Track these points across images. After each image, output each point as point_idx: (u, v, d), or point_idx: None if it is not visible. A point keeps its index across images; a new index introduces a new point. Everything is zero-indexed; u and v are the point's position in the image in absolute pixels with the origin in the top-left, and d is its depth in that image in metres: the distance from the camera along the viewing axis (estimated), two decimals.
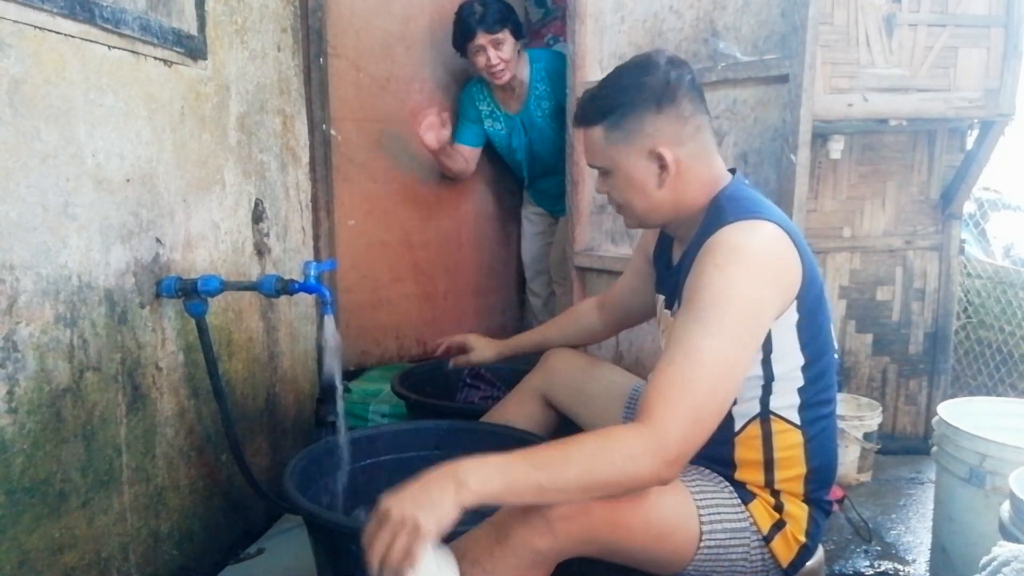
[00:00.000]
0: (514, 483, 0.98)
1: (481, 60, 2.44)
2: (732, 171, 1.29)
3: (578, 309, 1.83)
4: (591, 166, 1.29)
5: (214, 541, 1.77)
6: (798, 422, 1.19)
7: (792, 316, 1.14)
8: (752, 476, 1.21)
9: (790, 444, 1.19)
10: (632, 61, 1.26)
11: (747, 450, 1.20)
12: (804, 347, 1.16)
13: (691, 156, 1.22)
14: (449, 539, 1.04)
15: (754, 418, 1.19)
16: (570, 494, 1.00)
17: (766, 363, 1.16)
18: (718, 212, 1.18)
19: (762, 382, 1.17)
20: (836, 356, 1.25)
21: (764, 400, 1.18)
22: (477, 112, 2.67)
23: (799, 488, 1.21)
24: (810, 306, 1.15)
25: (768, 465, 1.20)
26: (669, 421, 1.00)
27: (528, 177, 2.76)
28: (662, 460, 0.99)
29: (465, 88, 2.71)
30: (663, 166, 1.20)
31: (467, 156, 2.67)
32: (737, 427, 1.20)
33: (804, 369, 1.17)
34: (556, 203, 2.76)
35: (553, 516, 1.04)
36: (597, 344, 2.35)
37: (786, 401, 1.18)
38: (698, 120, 1.22)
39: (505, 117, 2.65)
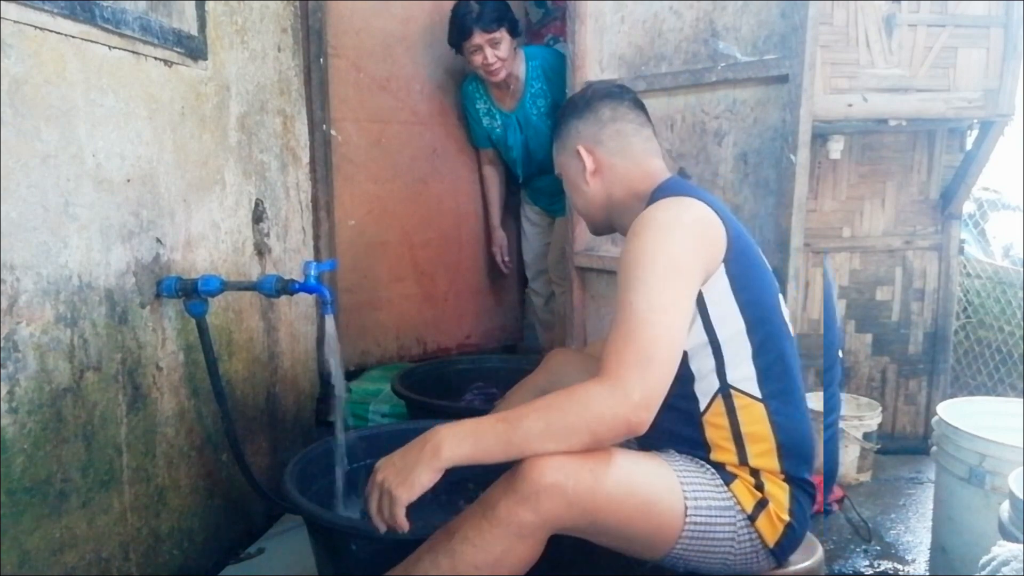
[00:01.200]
0: (483, 441, 1.08)
1: (478, 59, 2.45)
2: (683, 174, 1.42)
3: (561, 368, 1.69)
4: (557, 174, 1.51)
5: (214, 541, 1.78)
6: (759, 395, 1.23)
7: (722, 279, 1.21)
8: (727, 456, 1.24)
9: (755, 418, 1.23)
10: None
11: (715, 429, 1.24)
12: (743, 309, 1.22)
13: (611, 153, 1.39)
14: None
15: (716, 394, 1.23)
16: (540, 443, 1.08)
17: (708, 329, 1.21)
18: (651, 202, 1.29)
19: (711, 348, 1.22)
20: (788, 328, 1.30)
21: (720, 371, 1.22)
22: (476, 111, 2.68)
23: (774, 464, 1.23)
24: (741, 268, 1.22)
25: (738, 441, 1.23)
26: (623, 367, 1.07)
27: (523, 175, 2.76)
28: (625, 401, 1.06)
29: (462, 88, 2.72)
30: (583, 164, 1.40)
31: (492, 158, 2.82)
32: (703, 406, 1.24)
33: (749, 333, 1.22)
34: (552, 201, 2.77)
35: (537, 485, 1.07)
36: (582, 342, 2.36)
37: (742, 372, 1.23)
38: (620, 125, 1.40)
39: (501, 114, 2.66)
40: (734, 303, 1.21)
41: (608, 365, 1.08)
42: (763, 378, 1.23)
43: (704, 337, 1.22)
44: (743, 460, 1.23)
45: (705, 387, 1.24)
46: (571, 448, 1.09)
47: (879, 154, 2.49)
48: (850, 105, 2.12)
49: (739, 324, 1.22)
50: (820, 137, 2.27)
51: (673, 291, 1.13)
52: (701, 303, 1.20)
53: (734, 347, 1.22)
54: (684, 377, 1.22)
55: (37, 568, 1.26)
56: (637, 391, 1.06)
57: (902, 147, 2.49)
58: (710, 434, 1.24)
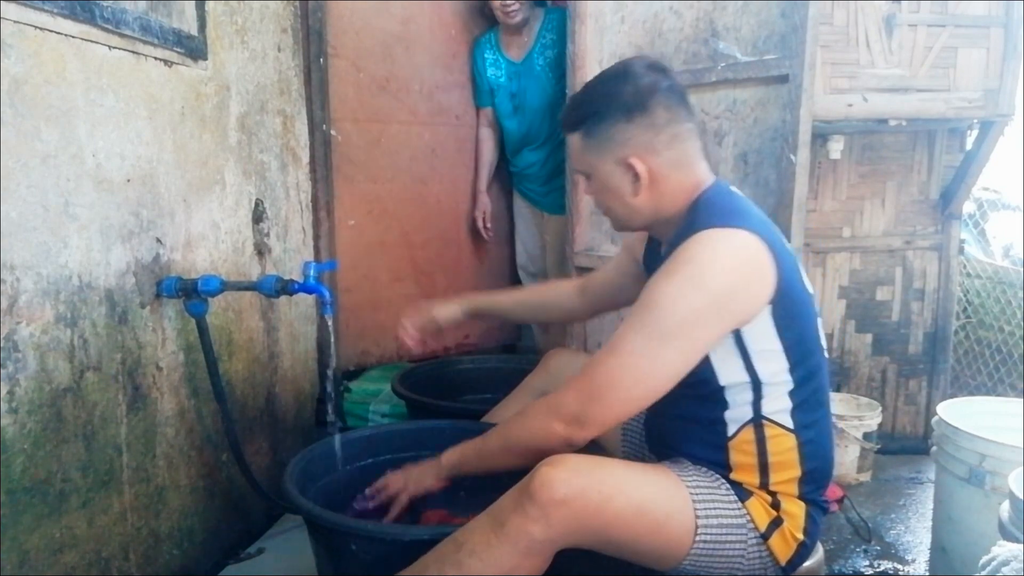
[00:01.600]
0: (465, 454, 1.33)
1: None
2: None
3: (558, 287, 1.76)
4: (575, 170, 1.33)
5: (214, 541, 1.78)
6: (791, 426, 1.20)
7: (766, 320, 1.14)
8: (748, 478, 1.21)
9: (784, 448, 1.20)
10: (611, 69, 1.28)
11: (742, 455, 1.21)
12: (788, 350, 1.17)
13: (667, 165, 1.22)
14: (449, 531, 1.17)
15: (747, 423, 1.20)
16: (499, 457, 1.27)
17: (749, 368, 1.17)
18: (695, 217, 1.19)
19: (751, 386, 1.18)
20: (825, 356, 1.26)
21: (756, 405, 1.19)
22: (483, 61, 2.72)
23: (794, 489, 1.22)
24: (787, 310, 1.15)
25: (763, 469, 1.20)
26: (571, 389, 1.17)
27: (513, 145, 2.78)
28: (558, 419, 1.16)
29: (476, 44, 2.76)
30: (636, 176, 1.22)
31: (490, 119, 2.83)
32: (731, 432, 1.21)
33: (791, 371, 1.18)
34: (544, 192, 2.76)
35: (546, 501, 1.06)
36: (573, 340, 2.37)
37: (778, 405, 1.19)
38: (675, 128, 1.22)
39: (507, 63, 2.70)
40: (778, 343, 1.16)
41: (566, 385, 1.18)
42: (798, 410, 1.20)
43: (745, 376, 1.17)
44: (763, 485, 1.21)
45: (737, 415, 1.20)
46: (526, 462, 1.16)
47: (879, 154, 2.48)
48: (850, 105, 2.12)
49: (783, 363, 1.17)
50: (820, 137, 2.27)
51: (668, 349, 1.10)
52: (741, 344, 1.15)
53: (775, 384, 1.18)
54: (717, 403, 1.20)
55: (37, 568, 1.26)
56: (570, 411, 1.15)
57: (902, 147, 2.49)
58: (735, 458, 1.21)
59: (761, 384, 1.17)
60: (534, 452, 1.17)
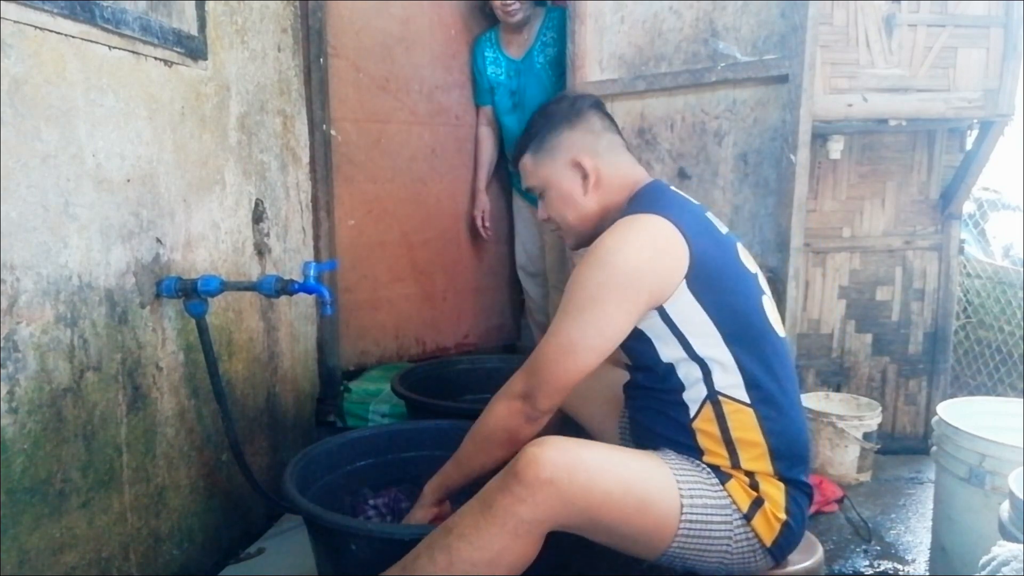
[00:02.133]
0: (445, 471, 1.40)
1: None
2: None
3: None
4: (529, 191, 1.45)
5: (214, 541, 1.78)
6: (747, 400, 1.23)
7: (684, 294, 1.21)
8: (719, 460, 1.24)
9: (744, 424, 1.23)
10: (545, 103, 1.47)
11: (706, 436, 1.24)
12: (718, 322, 1.22)
13: (608, 165, 1.37)
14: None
15: (704, 400, 1.23)
16: (475, 458, 1.33)
17: (684, 344, 1.23)
18: (624, 212, 1.30)
19: (695, 363, 1.23)
20: (780, 334, 1.29)
21: (707, 381, 1.23)
22: (483, 59, 2.73)
23: (767, 467, 1.23)
24: (706, 284, 1.21)
25: (729, 446, 1.23)
26: (518, 374, 1.28)
27: (512, 144, 2.77)
28: (512, 398, 1.27)
29: (476, 43, 2.77)
30: (585, 175, 1.36)
31: (490, 118, 2.84)
32: (692, 413, 1.24)
33: (729, 345, 1.22)
34: None
35: (532, 480, 1.09)
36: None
37: (729, 380, 1.23)
38: (610, 136, 1.39)
39: (506, 60, 2.71)
40: (705, 317, 1.22)
41: (513, 381, 1.29)
42: (750, 384, 1.23)
43: (682, 352, 1.23)
44: (736, 464, 1.23)
45: (694, 395, 1.24)
46: (503, 453, 1.27)
47: (879, 154, 2.49)
48: (850, 105, 2.12)
49: (715, 336, 1.22)
50: (820, 137, 2.27)
51: (583, 323, 1.20)
52: (669, 321, 1.22)
53: (715, 357, 1.22)
54: (673, 386, 1.25)
55: (37, 568, 1.26)
56: (520, 389, 1.26)
57: (902, 147, 2.49)
58: (701, 440, 1.24)
59: (703, 360, 1.22)
60: (504, 439, 1.29)
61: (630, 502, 1.14)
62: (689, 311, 1.22)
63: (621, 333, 1.22)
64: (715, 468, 1.23)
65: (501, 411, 1.29)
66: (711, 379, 1.23)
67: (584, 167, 1.35)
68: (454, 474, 1.38)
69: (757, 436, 1.23)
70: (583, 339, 1.21)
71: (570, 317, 1.22)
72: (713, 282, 1.23)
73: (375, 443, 1.72)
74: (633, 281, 1.19)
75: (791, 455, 1.25)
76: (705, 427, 1.24)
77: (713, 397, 1.23)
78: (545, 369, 1.23)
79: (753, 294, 1.28)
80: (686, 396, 1.24)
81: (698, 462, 1.24)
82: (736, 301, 1.25)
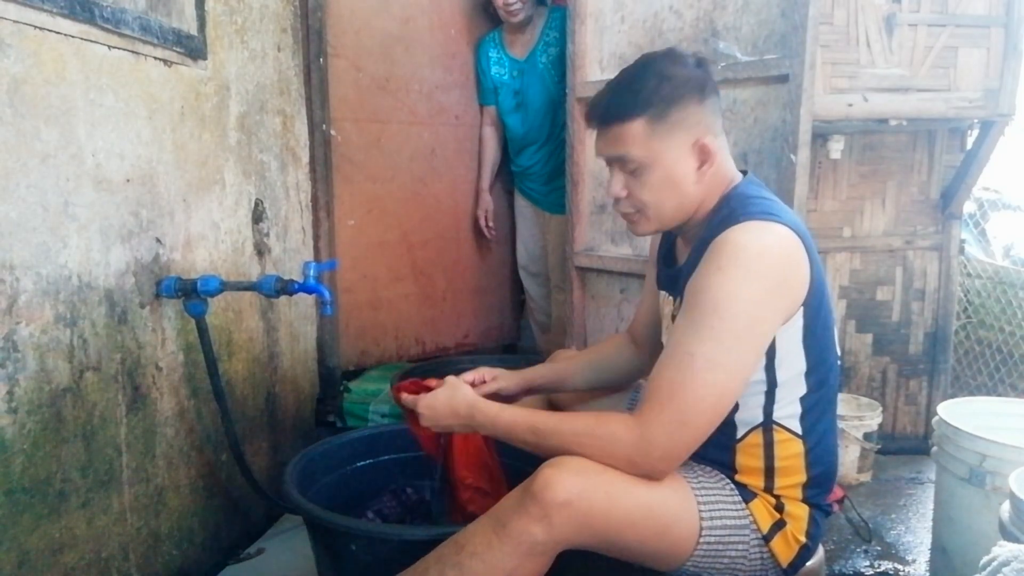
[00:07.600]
0: (513, 440, 1.18)
1: None
2: (743, 172, 1.27)
3: (609, 344, 1.58)
4: (615, 160, 1.19)
5: (214, 541, 1.77)
6: (799, 431, 1.19)
7: (798, 322, 1.12)
8: (753, 480, 1.21)
9: (791, 453, 1.19)
10: (659, 54, 1.20)
11: (748, 457, 1.20)
12: (808, 353, 1.15)
13: (722, 150, 1.20)
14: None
15: (756, 427, 1.18)
16: (548, 433, 1.14)
17: (769, 369, 1.15)
18: (728, 211, 1.15)
19: (765, 388, 1.16)
20: (838, 358, 1.24)
21: (767, 408, 1.17)
22: (487, 59, 2.74)
23: (799, 493, 1.21)
24: (815, 312, 1.13)
25: (769, 473, 1.20)
26: (655, 422, 1.07)
27: (515, 144, 2.78)
28: (643, 454, 1.07)
29: (480, 43, 2.77)
30: (704, 159, 1.16)
31: (494, 118, 2.83)
32: (739, 434, 1.20)
33: (807, 375, 1.17)
34: (546, 192, 2.76)
35: (549, 502, 1.05)
36: (571, 339, 2.36)
37: (788, 411, 1.17)
38: (721, 115, 1.22)
39: (510, 60, 2.71)
40: (800, 346, 1.14)
41: (645, 410, 1.08)
42: (807, 415, 1.18)
43: (762, 376, 1.15)
44: (768, 488, 1.20)
45: (747, 418, 1.18)
46: (552, 454, 1.12)
47: (879, 154, 2.48)
48: (850, 105, 2.12)
49: (800, 366, 1.15)
50: (820, 137, 2.27)
51: (742, 352, 1.06)
52: (770, 345, 1.11)
53: (788, 388, 1.16)
54: None
55: (36, 568, 1.26)
56: (659, 447, 1.07)
57: (902, 147, 2.48)
58: (741, 460, 1.20)
59: (776, 387, 1.15)
60: (595, 451, 1.11)
61: (649, 525, 1.11)
62: (792, 339, 1.13)
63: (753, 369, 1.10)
64: (742, 486, 1.20)
65: (617, 430, 1.09)
66: (771, 407, 1.16)
67: (709, 152, 1.15)
68: (515, 423, 1.17)
69: (799, 465, 1.19)
70: (743, 372, 1.06)
71: (726, 347, 1.04)
72: (819, 309, 1.13)
73: (375, 443, 1.72)
74: (781, 298, 1.08)
75: (824, 483, 1.23)
76: (749, 450, 1.19)
77: (767, 425, 1.18)
78: (701, 417, 1.05)
79: (832, 321, 1.19)
80: (738, 417, 1.18)
81: (723, 477, 1.20)
82: (825, 332, 1.16)
